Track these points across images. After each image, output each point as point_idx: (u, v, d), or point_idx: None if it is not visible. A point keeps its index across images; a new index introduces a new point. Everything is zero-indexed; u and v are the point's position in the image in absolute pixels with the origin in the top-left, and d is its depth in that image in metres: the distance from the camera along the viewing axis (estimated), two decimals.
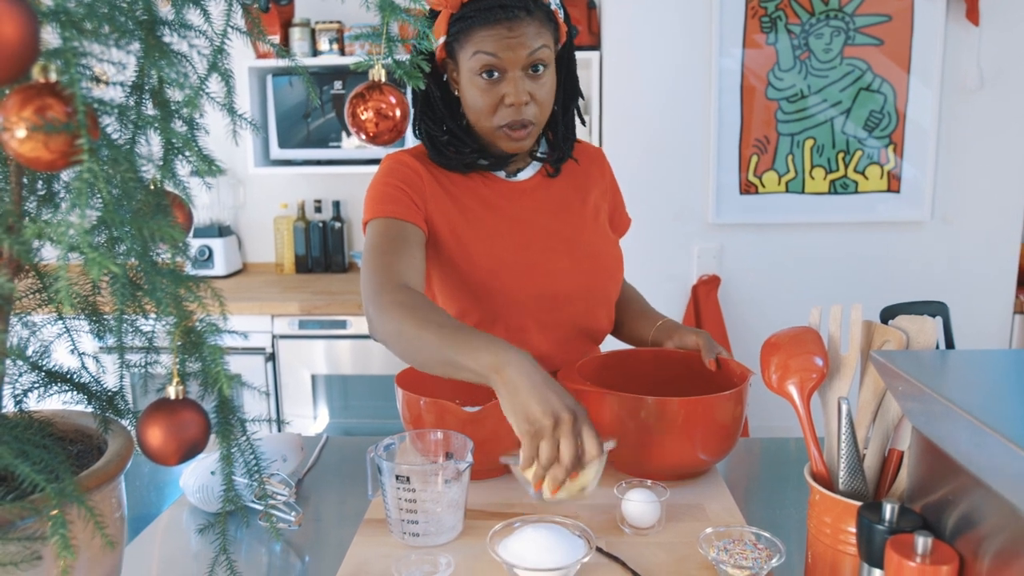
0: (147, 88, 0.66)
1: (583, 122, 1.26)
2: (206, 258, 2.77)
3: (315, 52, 2.67)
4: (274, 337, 2.42)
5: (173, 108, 0.67)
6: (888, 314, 0.78)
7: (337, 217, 2.87)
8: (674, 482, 1.04)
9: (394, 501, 0.91)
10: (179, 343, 0.65)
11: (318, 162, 2.69)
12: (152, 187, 0.67)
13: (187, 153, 0.69)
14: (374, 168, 2.55)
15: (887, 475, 0.78)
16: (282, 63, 2.58)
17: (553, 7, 1.10)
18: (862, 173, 2.33)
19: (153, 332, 0.77)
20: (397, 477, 0.89)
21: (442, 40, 1.10)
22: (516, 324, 1.17)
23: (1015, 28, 2.22)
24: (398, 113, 0.75)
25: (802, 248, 2.38)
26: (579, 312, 1.21)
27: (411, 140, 2.62)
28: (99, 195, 0.57)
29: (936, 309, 0.82)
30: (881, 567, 0.65)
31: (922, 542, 0.61)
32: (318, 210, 2.88)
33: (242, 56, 2.56)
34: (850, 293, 2.37)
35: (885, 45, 2.25)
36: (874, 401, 0.79)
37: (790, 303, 2.37)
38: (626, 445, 1.01)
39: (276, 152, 2.68)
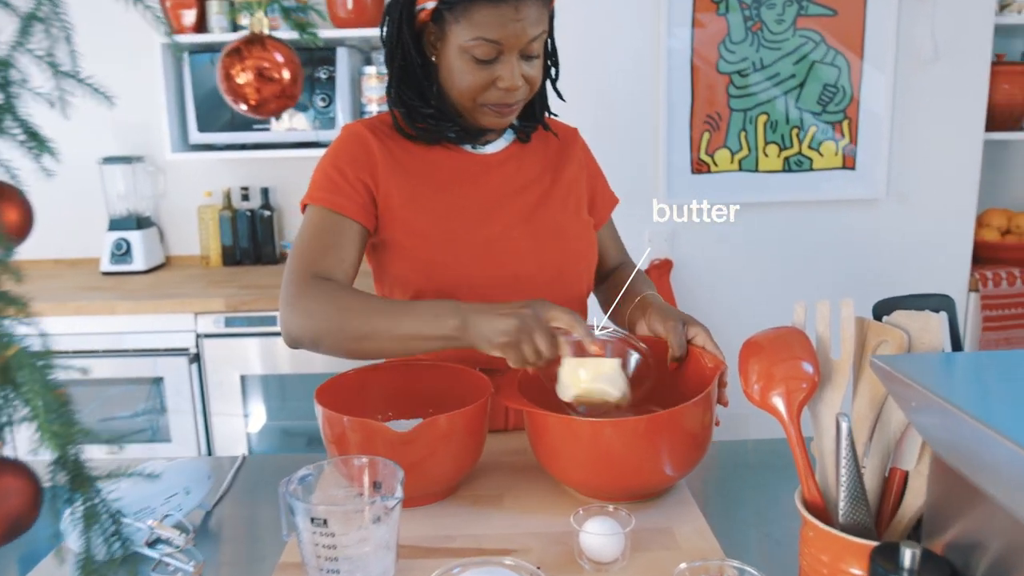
0: None
1: (560, 97, 1.19)
2: (123, 252, 2.58)
3: (235, 27, 2.46)
4: (198, 336, 2.27)
5: None
6: (884, 309, 0.68)
7: (266, 205, 2.71)
8: (638, 503, 0.93)
9: (311, 547, 0.76)
10: None
11: (243, 146, 2.52)
12: None
13: (8, 128, 0.53)
14: (306, 153, 2.51)
15: (889, 499, 0.68)
16: (201, 39, 2.41)
17: None
18: (816, 150, 2.28)
19: None
20: (313, 520, 0.75)
21: (432, 4, 1.02)
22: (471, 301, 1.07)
23: None
24: (286, 75, 0.59)
25: (756, 229, 2.32)
26: (538, 295, 1.10)
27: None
28: None
29: (939, 303, 0.72)
30: None
31: None
32: (245, 198, 2.71)
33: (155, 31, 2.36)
34: (805, 273, 2.33)
35: (838, 16, 2.19)
36: (871, 413, 0.69)
37: (745, 288, 2.33)
38: (581, 467, 0.91)
39: (196, 136, 2.49)
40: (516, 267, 1.13)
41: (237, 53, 0.59)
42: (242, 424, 2.33)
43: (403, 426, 0.89)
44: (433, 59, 1.08)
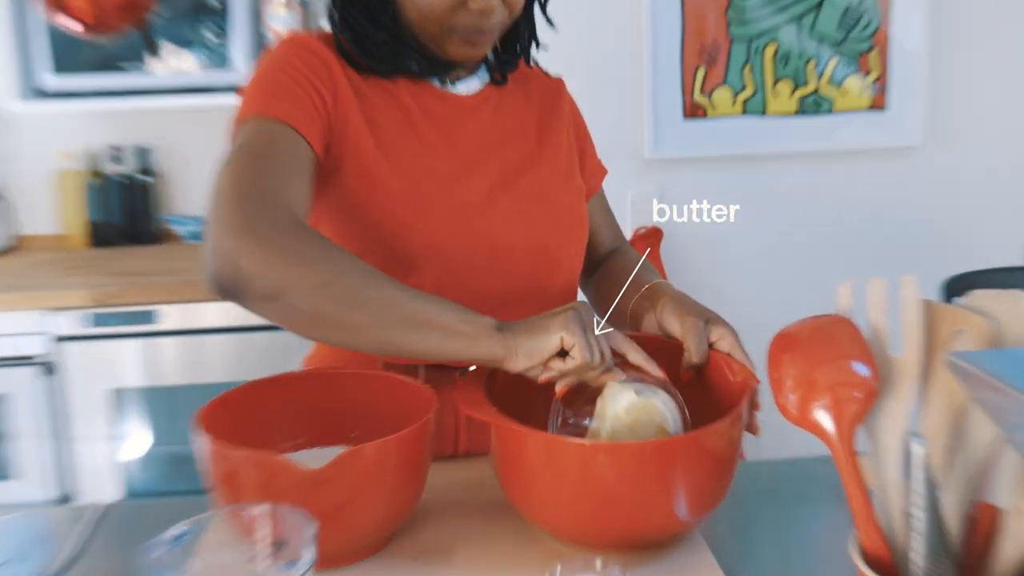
0: None
1: (551, 23, 1.22)
2: None
3: None
4: (56, 340, 2.25)
5: None
6: (957, 287, 0.67)
7: (146, 170, 2.71)
8: (637, 555, 0.91)
9: None
10: None
11: (112, 93, 2.49)
12: None
13: None
14: (195, 101, 2.49)
15: (975, 546, 0.64)
16: None
17: None
18: (839, 87, 2.33)
19: None
20: None
21: None
22: (436, 281, 1.11)
23: None
24: None
25: (764, 187, 2.37)
26: (524, 275, 1.17)
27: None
28: None
29: None
30: None
31: None
32: (117, 160, 2.71)
33: None
34: (827, 243, 2.37)
35: None
36: (947, 429, 0.67)
37: (753, 261, 2.37)
38: (563, 506, 0.88)
39: (51, 81, 2.44)
40: (495, 239, 1.14)
41: None
42: (114, 453, 2.32)
43: (317, 459, 0.85)
44: None
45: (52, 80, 2.43)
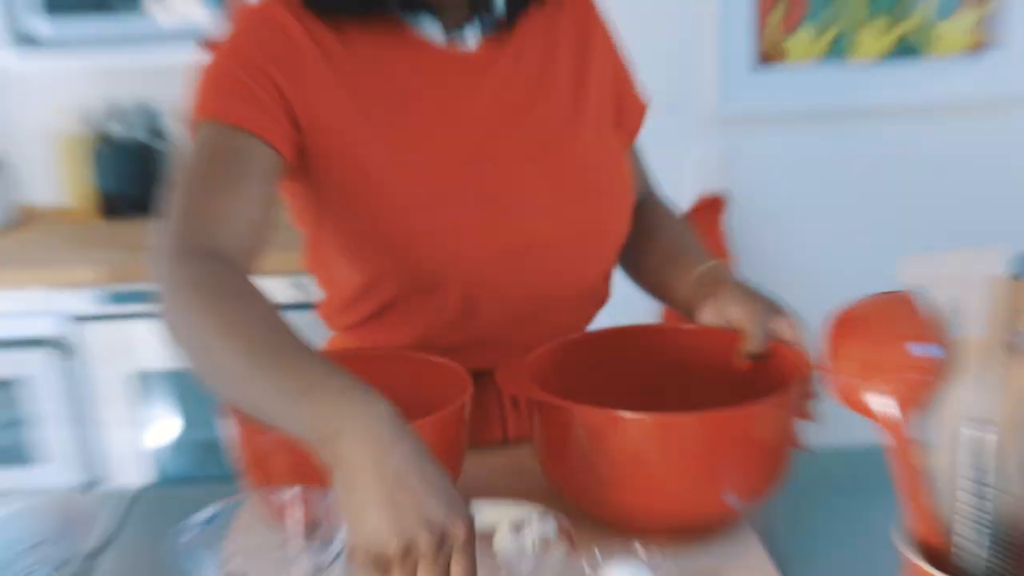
0: None
1: None
2: None
3: None
4: (73, 319, 2.31)
5: None
6: None
7: (156, 130, 2.73)
8: (681, 541, 0.95)
9: None
10: None
11: (115, 43, 2.50)
12: None
13: None
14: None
15: None
16: None
17: None
18: (934, 28, 2.28)
19: None
20: None
21: None
22: (460, 293, 1.09)
23: None
24: None
25: (847, 149, 2.36)
26: (561, 270, 1.15)
27: None
28: None
29: None
30: None
31: None
32: (121, 122, 2.72)
33: None
34: (917, 215, 2.36)
35: None
36: (1021, 414, 0.71)
37: (833, 236, 2.39)
38: (602, 486, 0.93)
39: (44, 28, 2.45)
40: (526, 230, 1.10)
41: None
42: (140, 438, 2.38)
43: None
44: None
45: (45, 28, 2.43)
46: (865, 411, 0.73)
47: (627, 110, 1.25)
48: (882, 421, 0.72)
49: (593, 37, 1.20)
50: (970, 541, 0.66)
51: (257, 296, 0.89)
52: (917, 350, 0.73)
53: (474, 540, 0.72)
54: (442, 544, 0.70)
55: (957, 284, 0.73)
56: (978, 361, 0.72)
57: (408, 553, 0.69)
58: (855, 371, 0.75)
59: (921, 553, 0.68)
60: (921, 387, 0.72)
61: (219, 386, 0.86)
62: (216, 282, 0.90)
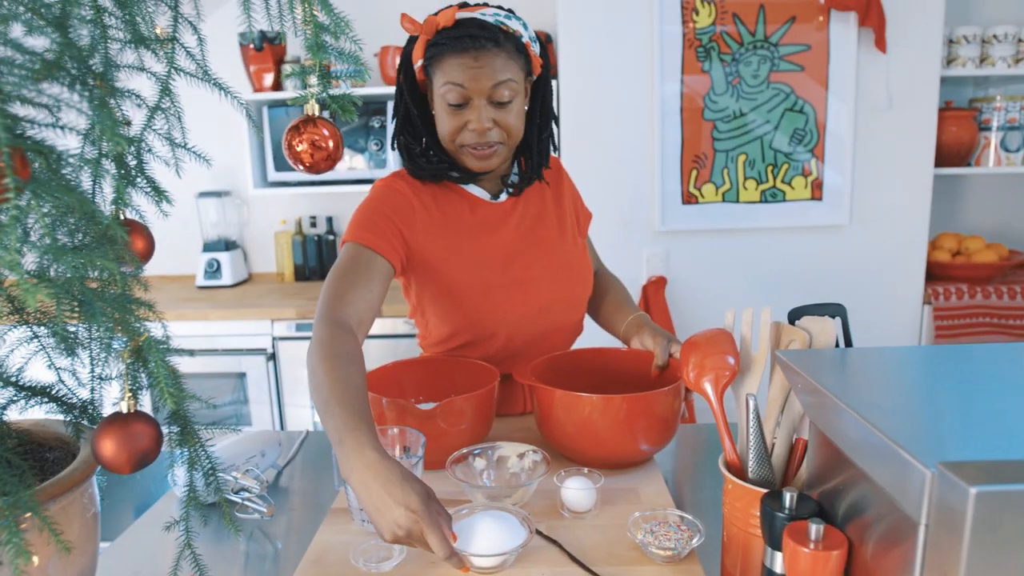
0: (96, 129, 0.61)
1: (555, 147, 1.19)
2: (215, 270, 2.70)
3: (305, 87, 2.60)
4: (274, 339, 2.36)
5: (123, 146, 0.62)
6: (795, 315, 0.74)
7: (330, 231, 2.82)
8: (612, 472, 1.00)
9: (355, 496, 0.86)
10: (128, 361, 0.61)
11: (311, 183, 2.63)
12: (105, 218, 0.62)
13: (140, 184, 0.65)
14: (362, 188, 2.58)
15: (793, 463, 0.74)
16: (277, 96, 2.56)
17: (525, 40, 1.03)
18: (789, 184, 2.29)
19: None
20: None
21: (420, 63, 1.04)
22: (503, 338, 1.12)
23: (917, 54, 2.20)
24: (331, 144, 0.71)
25: (737, 250, 2.34)
26: (557, 318, 1.16)
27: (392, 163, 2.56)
28: (40, 229, 0.52)
29: (835, 310, 0.78)
30: (782, 550, 0.61)
31: (815, 529, 0.57)
32: (313, 225, 2.82)
33: (244, 89, 2.52)
34: (779, 290, 2.33)
35: (806, 71, 2.22)
36: (781, 396, 0.76)
37: (728, 300, 2.34)
38: (571, 438, 0.97)
39: (273, 175, 2.61)
40: (539, 301, 1.11)
41: (296, 129, 0.71)
42: (309, 414, 2.39)
43: (427, 406, 0.97)
44: (432, 112, 1.07)
45: (274, 174, 2.57)
46: (699, 391, 0.78)
47: (581, 219, 1.25)
48: (708, 398, 0.77)
49: (562, 186, 1.22)
50: (753, 461, 0.71)
51: (355, 359, 0.85)
52: (729, 359, 0.77)
53: (431, 509, 0.70)
54: (419, 514, 0.69)
55: (751, 325, 0.78)
56: (758, 366, 0.77)
57: (404, 530, 0.69)
58: (694, 369, 0.78)
59: (730, 471, 0.74)
60: (730, 379, 0.77)
61: (315, 403, 0.83)
62: (336, 343, 0.87)
